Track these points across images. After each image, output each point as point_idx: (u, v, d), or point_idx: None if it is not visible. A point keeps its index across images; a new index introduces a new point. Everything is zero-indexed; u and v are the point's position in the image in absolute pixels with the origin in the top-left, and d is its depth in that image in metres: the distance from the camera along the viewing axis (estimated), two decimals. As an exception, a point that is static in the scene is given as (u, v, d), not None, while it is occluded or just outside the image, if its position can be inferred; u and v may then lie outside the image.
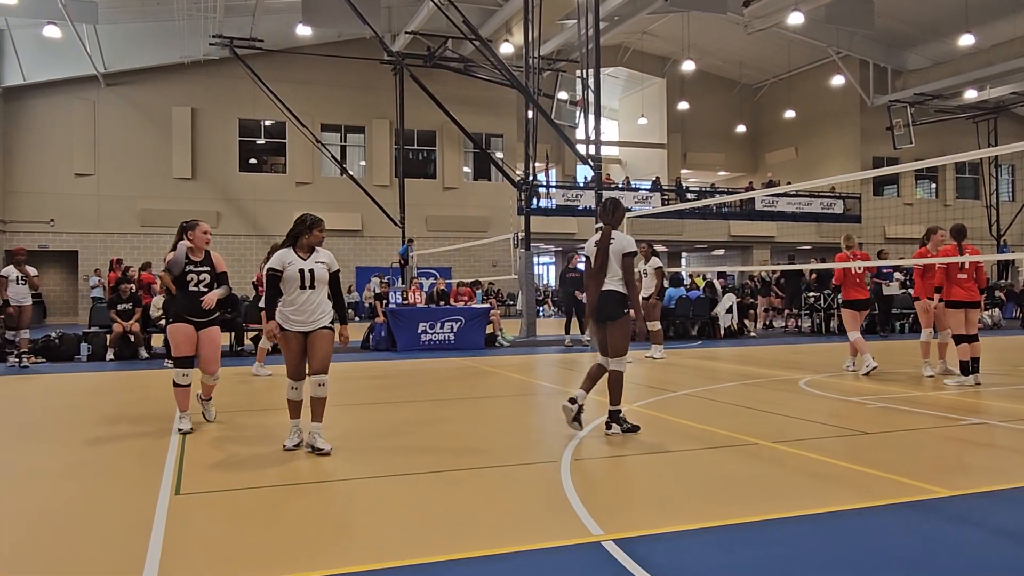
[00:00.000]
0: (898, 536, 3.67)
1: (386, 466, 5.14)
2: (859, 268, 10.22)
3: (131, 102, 26.38)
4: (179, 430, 6.24)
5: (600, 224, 6.45)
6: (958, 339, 9.00)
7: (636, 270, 12.24)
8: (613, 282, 6.08)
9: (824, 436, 6.05)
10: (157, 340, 13.45)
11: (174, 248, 6.43)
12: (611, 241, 6.08)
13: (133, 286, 14.04)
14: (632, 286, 6.08)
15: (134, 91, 26.34)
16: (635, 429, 6.16)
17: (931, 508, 4.08)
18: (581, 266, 17.80)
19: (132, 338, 13.04)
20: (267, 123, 28.29)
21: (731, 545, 3.57)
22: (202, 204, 26.81)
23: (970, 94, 30.58)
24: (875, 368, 9.58)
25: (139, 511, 4.12)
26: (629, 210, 23.79)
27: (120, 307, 13.03)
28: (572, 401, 6.12)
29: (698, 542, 3.60)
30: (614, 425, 6.18)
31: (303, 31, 24.24)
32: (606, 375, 6.17)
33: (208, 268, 6.45)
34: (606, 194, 23.96)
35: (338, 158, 27.09)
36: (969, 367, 8.88)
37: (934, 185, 35.77)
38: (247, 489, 4.62)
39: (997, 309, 20.64)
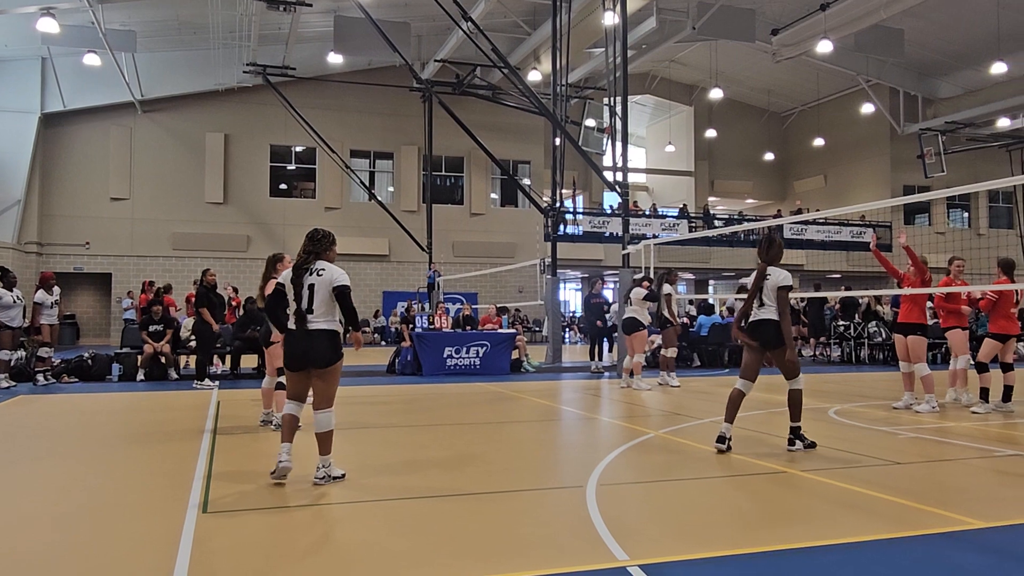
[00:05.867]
0: (929, 567, 3.60)
1: (410, 488, 5.15)
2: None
3: (166, 128, 26.94)
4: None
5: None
6: (981, 367, 9.06)
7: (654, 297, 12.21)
8: (769, 312, 6.48)
9: (854, 465, 5.96)
10: (188, 361, 13.63)
11: (266, 279, 7.23)
12: (767, 277, 6.52)
13: (162, 307, 14.23)
14: (786, 318, 6.47)
15: (169, 117, 26.92)
16: (813, 446, 6.48)
17: (964, 539, 4.00)
18: (607, 292, 17.80)
19: (163, 359, 13.22)
20: (298, 149, 28.73)
21: (758, 573, 3.53)
22: (233, 228, 27.24)
23: (1003, 122, 30.23)
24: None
25: (166, 528, 4.16)
26: (655, 236, 23.83)
27: (151, 328, 13.23)
28: (721, 439, 6.46)
29: (725, 570, 3.56)
30: (797, 441, 6.52)
31: (334, 59, 24.69)
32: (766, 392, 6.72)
33: None
34: (632, 221, 23.97)
35: (367, 184, 27.41)
36: (989, 395, 8.97)
37: (966, 214, 35.33)
38: (274, 509, 4.65)
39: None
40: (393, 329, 25.08)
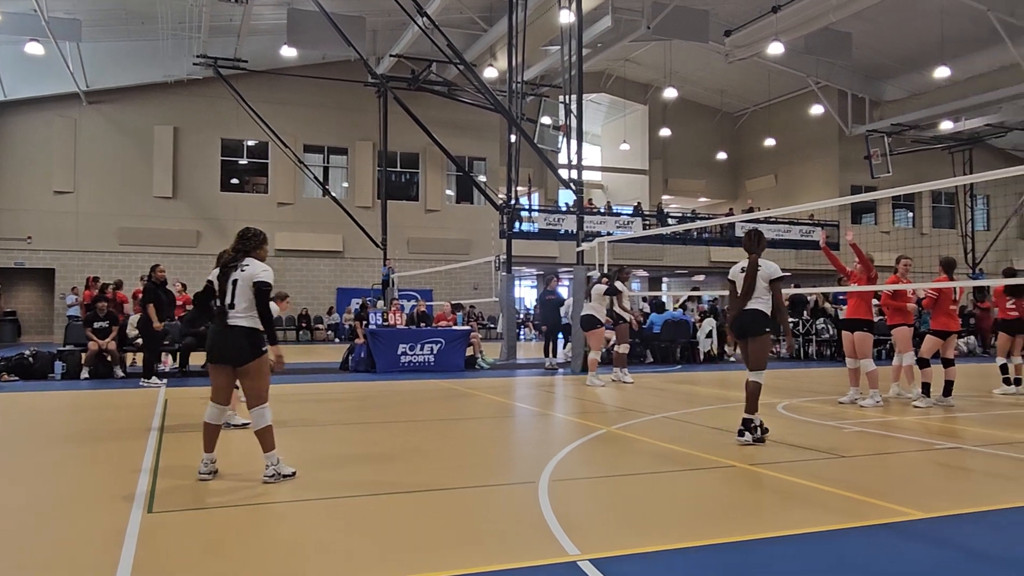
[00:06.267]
0: (872, 557, 3.69)
1: (363, 485, 5.10)
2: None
3: (113, 120, 26.28)
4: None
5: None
6: (923, 363, 9.32)
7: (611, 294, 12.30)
8: (757, 303, 6.69)
9: (800, 459, 6.08)
10: (135, 359, 13.31)
11: None
12: (759, 268, 6.73)
13: (107, 304, 13.88)
14: (782, 310, 6.78)
15: (116, 109, 26.27)
16: (762, 440, 6.60)
17: (905, 530, 4.11)
18: (561, 289, 17.89)
19: (108, 357, 12.89)
20: (250, 143, 28.27)
21: (707, 565, 3.58)
22: (182, 223, 26.70)
23: (946, 125, 31.12)
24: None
25: (109, 528, 4.06)
26: (609, 234, 24.00)
27: (96, 325, 12.89)
28: (749, 429, 6.56)
29: (675, 562, 3.60)
30: (747, 433, 6.58)
31: (288, 52, 24.35)
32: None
33: None
34: (586, 218, 24.10)
35: (321, 179, 27.09)
36: (930, 390, 9.21)
37: (911, 214, 36.28)
38: (221, 508, 4.57)
39: (973, 337, 20.86)
40: (347, 326, 24.83)
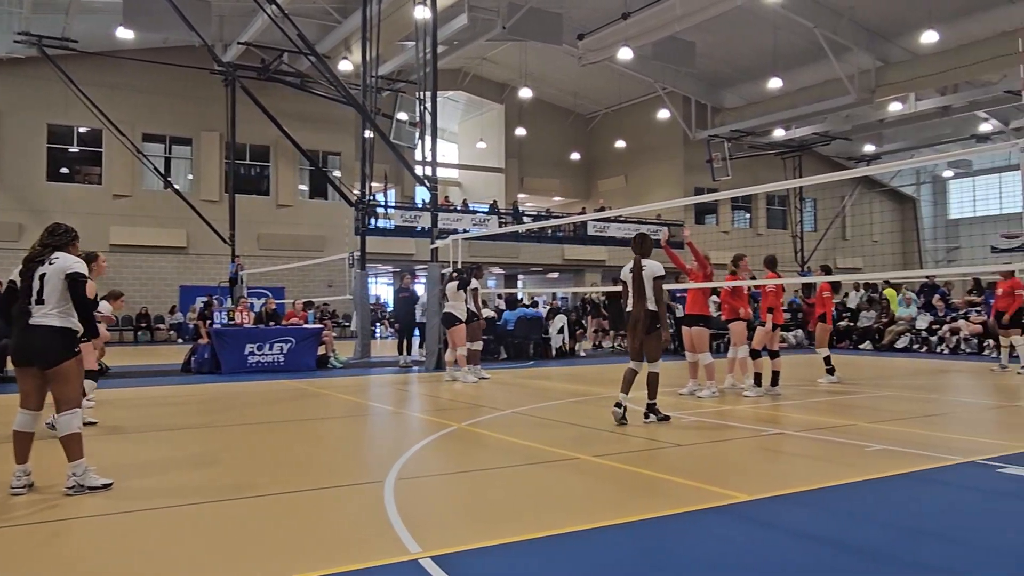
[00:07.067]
0: (701, 540, 3.89)
1: (200, 492, 4.86)
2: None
3: (-81, 100, 23.73)
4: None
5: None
6: (756, 355, 9.89)
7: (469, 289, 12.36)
8: (648, 302, 7.33)
9: (641, 449, 6.33)
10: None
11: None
12: (643, 268, 7.36)
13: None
14: (661, 305, 7.37)
15: (-77, 88, 23.74)
16: (667, 419, 7.47)
17: (731, 512, 4.36)
18: (417, 287, 17.80)
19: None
20: (81, 130, 26.29)
21: (548, 555, 3.65)
22: (1, 215, 24.49)
23: (778, 133, 33.39)
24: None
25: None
26: (465, 232, 24.10)
27: None
28: (618, 405, 7.31)
29: (516, 554, 3.65)
30: (651, 415, 7.47)
31: (124, 34, 22.78)
32: (642, 376, 7.48)
33: None
34: (443, 216, 24.10)
35: (162, 170, 25.56)
36: (762, 380, 9.80)
37: (748, 215, 38.64)
38: (16, 527, 4.21)
39: (800, 330, 22.45)
40: (191, 326, 23.62)
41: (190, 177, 28.10)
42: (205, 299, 19.55)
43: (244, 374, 13.31)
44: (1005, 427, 7.90)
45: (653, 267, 7.41)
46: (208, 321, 13.94)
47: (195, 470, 5.62)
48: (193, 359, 13.96)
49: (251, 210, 26.72)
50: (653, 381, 7.47)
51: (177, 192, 23.75)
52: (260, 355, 13.80)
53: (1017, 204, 34.32)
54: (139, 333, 25.75)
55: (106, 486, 4.84)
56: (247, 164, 28.81)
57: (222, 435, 7.24)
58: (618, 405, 7.33)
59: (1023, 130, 29.49)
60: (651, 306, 7.34)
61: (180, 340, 24.59)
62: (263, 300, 18.31)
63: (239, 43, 23.54)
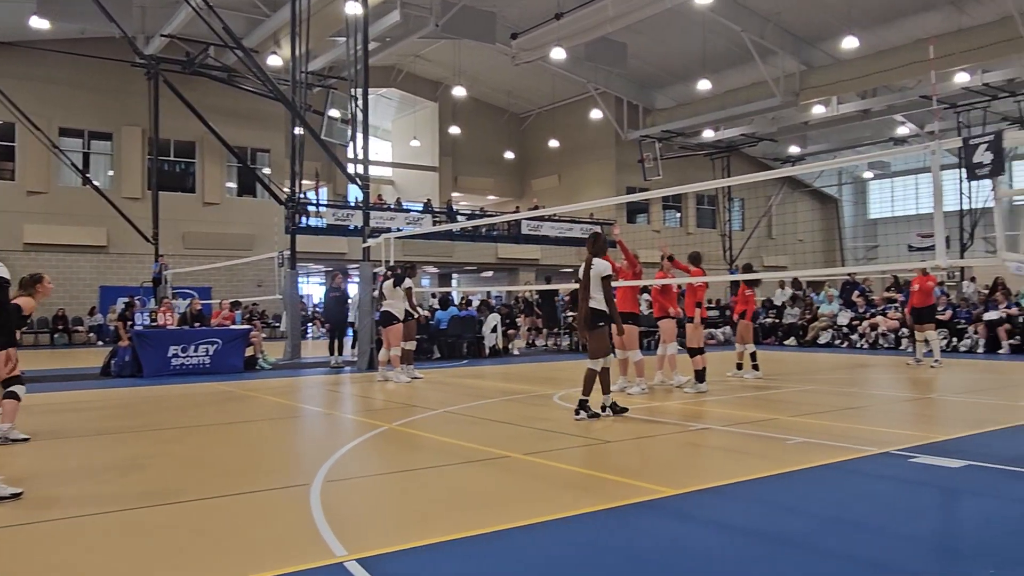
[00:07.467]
0: (628, 535, 3.93)
1: (118, 500, 4.67)
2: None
3: None
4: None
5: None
6: (693, 352, 10.01)
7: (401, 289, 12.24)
8: (594, 301, 7.48)
9: (570, 446, 6.37)
10: None
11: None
12: (592, 266, 7.53)
13: None
14: (611, 303, 7.50)
15: None
16: (596, 416, 7.50)
17: (657, 507, 4.41)
18: (350, 286, 17.55)
19: None
20: (-8, 123, 25.13)
21: (475, 554, 3.64)
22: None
23: (708, 133, 34.12)
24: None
25: None
26: (400, 230, 23.90)
27: None
28: (603, 408, 7.61)
29: (443, 554, 3.62)
30: (581, 411, 7.50)
31: (39, 23, 21.85)
32: (591, 373, 7.55)
33: None
34: (376, 215, 23.87)
35: (80, 166, 24.60)
36: (705, 375, 9.99)
37: (679, 214, 39.34)
38: (-66, 537, 3.99)
39: (728, 327, 22.97)
40: (111, 327, 22.81)
41: (111, 173, 27.14)
42: (126, 300, 18.93)
43: (167, 377, 12.90)
44: (918, 419, 8.22)
45: (601, 266, 7.56)
46: (128, 322, 13.48)
47: (113, 477, 5.41)
48: (113, 362, 13.46)
49: (176, 208, 25.93)
50: (589, 378, 7.56)
51: (97, 189, 22.85)
52: (184, 357, 13.41)
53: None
54: (56, 335, 24.74)
55: (15, 495, 4.62)
56: (171, 160, 27.97)
57: (143, 440, 7.00)
58: (603, 408, 7.62)
59: (936, 134, 30.81)
60: (594, 304, 7.49)
61: (100, 343, 23.75)
62: (188, 300, 17.81)
63: (162, 35, 22.87)
